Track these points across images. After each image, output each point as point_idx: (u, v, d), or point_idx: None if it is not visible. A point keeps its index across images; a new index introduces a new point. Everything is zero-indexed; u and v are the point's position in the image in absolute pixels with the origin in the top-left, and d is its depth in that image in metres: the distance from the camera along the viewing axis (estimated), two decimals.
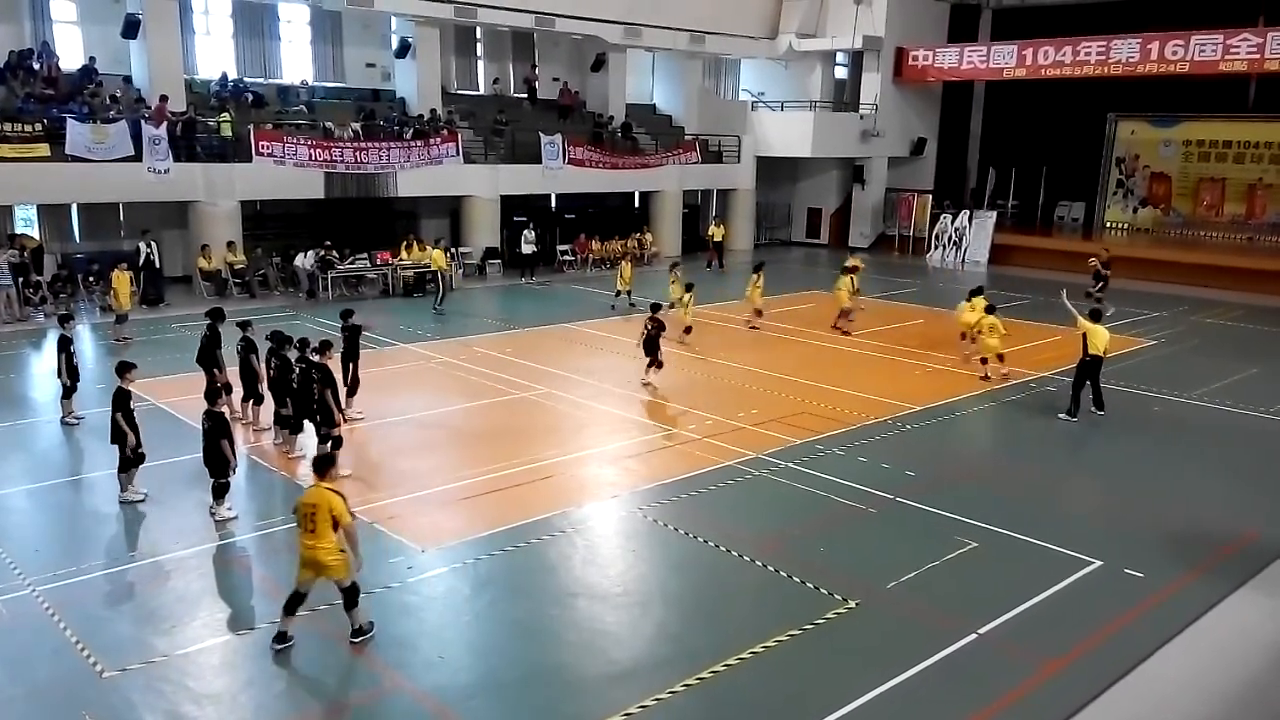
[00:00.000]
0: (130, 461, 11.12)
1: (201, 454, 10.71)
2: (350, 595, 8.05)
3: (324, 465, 8.27)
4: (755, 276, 21.51)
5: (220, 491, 10.61)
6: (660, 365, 16.38)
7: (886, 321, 22.26)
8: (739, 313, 22.50)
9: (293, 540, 9.93)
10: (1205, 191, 35.13)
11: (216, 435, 10.47)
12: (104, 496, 11.59)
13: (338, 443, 12.00)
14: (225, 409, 10.85)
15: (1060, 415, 15.08)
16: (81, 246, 24.28)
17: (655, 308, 16.99)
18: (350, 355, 14.06)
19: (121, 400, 11.00)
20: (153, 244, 22.53)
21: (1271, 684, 8.09)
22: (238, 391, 13.61)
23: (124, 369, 11.26)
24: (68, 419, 13.92)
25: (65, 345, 13.91)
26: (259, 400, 13.58)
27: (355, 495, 11.29)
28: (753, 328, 21.33)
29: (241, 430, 13.41)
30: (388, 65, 30.01)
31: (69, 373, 13.90)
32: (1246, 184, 34.20)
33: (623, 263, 24.79)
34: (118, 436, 11.06)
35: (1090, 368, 14.98)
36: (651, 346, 16.28)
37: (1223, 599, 9.30)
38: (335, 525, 7.86)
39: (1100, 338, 14.96)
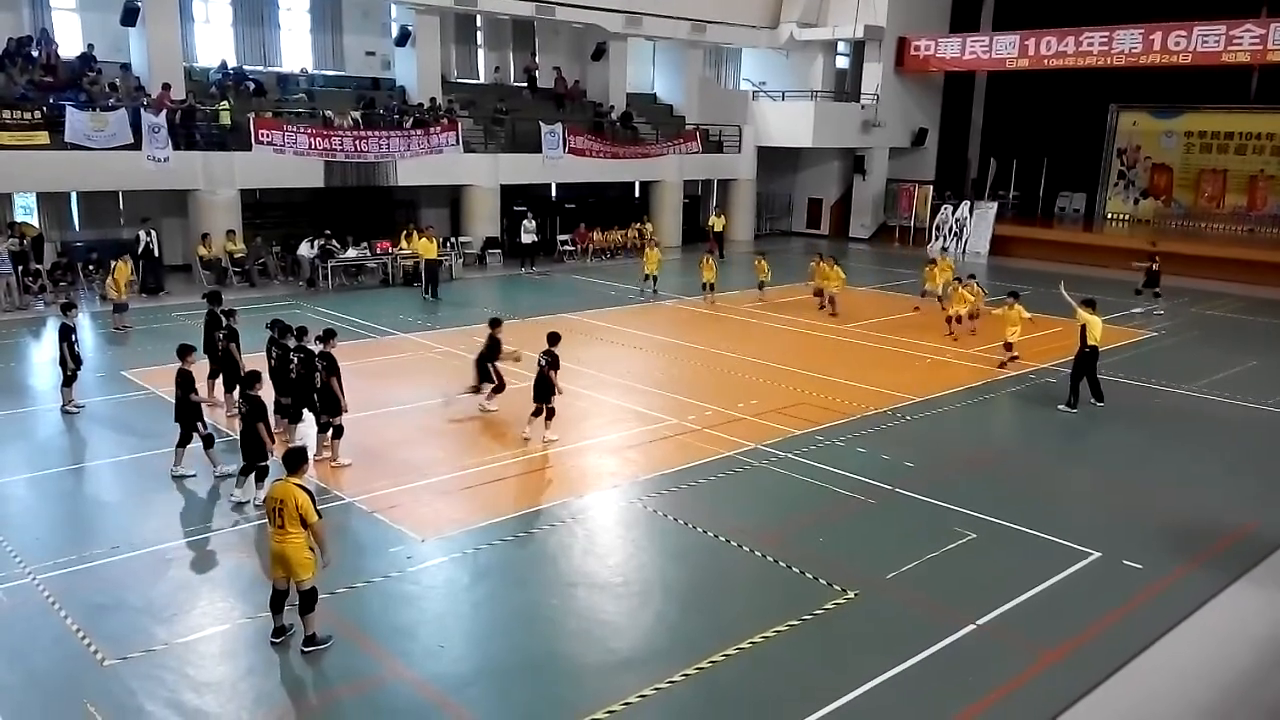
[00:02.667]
0: (189, 440, 11.39)
1: (239, 438, 10.90)
2: (306, 599, 7.86)
3: (295, 460, 8.07)
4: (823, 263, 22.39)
5: (261, 475, 10.64)
6: (501, 388, 13.99)
7: (886, 312, 22.25)
8: (738, 303, 22.51)
9: None
10: (1206, 183, 35.06)
11: (253, 419, 10.52)
12: (105, 484, 11.62)
13: (339, 431, 12.02)
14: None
15: (1060, 406, 15.09)
16: (81, 235, 24.26)
17: (494, 323, 14.29)
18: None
19: (185, 381, 11.36)
20: (153, 233, 22.50)
21: (1269, 675, 8.11)
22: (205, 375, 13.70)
23: (185, 351, 11.65)
24: (68, 407, 13.92)
25: (67, 334, 13.89)
26: (230, 388, 13.55)
27: (355, 485, 11.35)
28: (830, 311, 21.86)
29: (207, 411, 13.55)
30: (388, 53, 29.90)
31: (72, 360, 13.87)
32: (1248, 175, 34.13)
33: (648, 250, 24.66)
34: (182, 414, 11.40)
35: (1089, 359, 14.97)
36: (482, 367, 13.80)
37: (1221, 590, 9.32)
38: (304, 523, 7.76)
39: (1098, 328, 14.97)
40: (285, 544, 7.77)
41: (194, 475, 11.45)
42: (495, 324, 14.49)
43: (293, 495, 7.77)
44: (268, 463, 10.69)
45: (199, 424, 11.50)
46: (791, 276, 25.66)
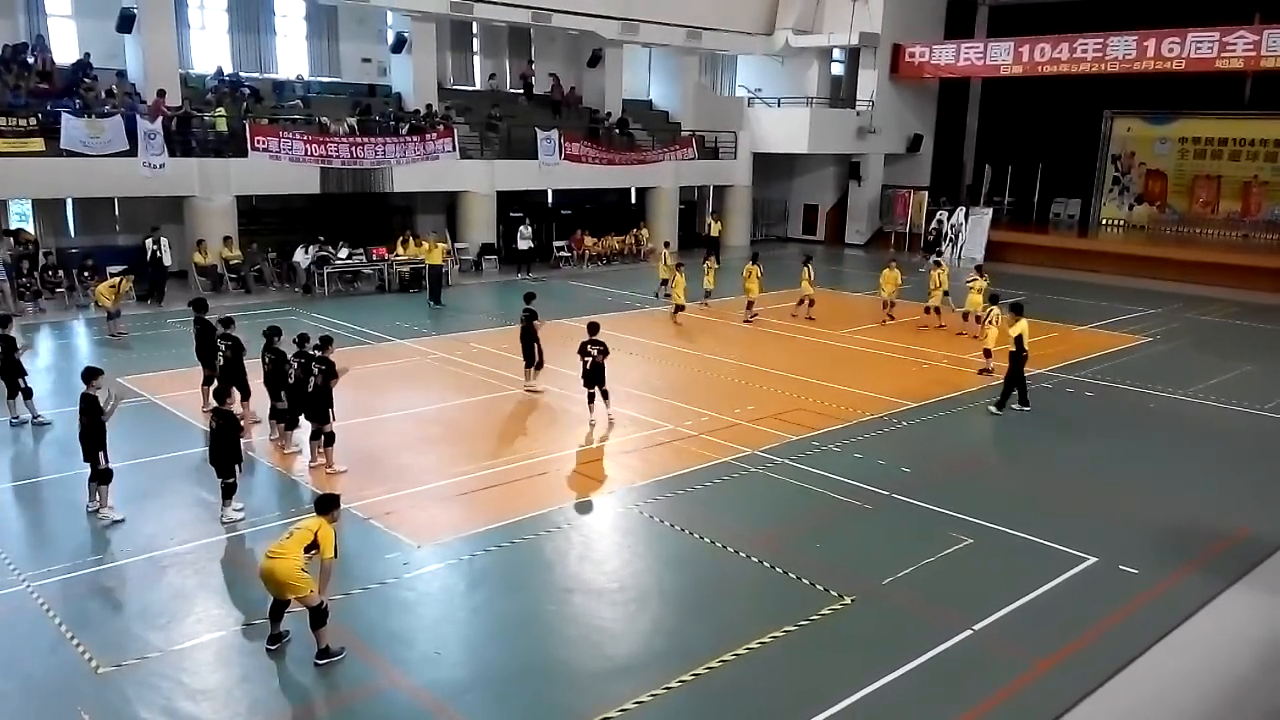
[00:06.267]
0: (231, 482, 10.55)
1: (208, 453, 10.66)
2: (316, 615, 7.81)
3: (328, 504, 8.07)
4: (753, 267, 22.04)
5: (229, 491, 10.50)
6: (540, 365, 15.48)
7: (882, 317, 22.25)
8: (735, 309, 22.52)
9: None
10: (1201, 189, 35.17)
11: (225, 434, 10.34)
12: None
13: (330, 438, 11.99)
14: (232, 406, 10.76)
15: (1014, 407, 15.08)
16: (77, 241, 24.21)
17: (529, 297, 15.94)
18: (530, 336, 15.44)
19: (230, 426, 10.40)
20: (162, 240, 22.41)
21: (1264, 680, 8.12)
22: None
23: (225, 394, 10.77)
24: (13, 420, 13.47)
25: (9, 347, 13.43)
26: (246, 395, 13.47)
27: (351, 491, 11.31)
28: (746, 322, 21.54)
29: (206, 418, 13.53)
30: (383, 60, 29.93)
31: (7, 373, 13.38)
32: (1242, 181, 34.23)
33: (664, 253, 24.66)
34: (220, 454, 10.41)
35: (1021, 362, 15.03)
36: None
37: (1216, 595, 9.33)
38: (309, 549, 7.71)
39: (1024, 331, 14.99)
40: (277, 562, 7.70)
41: (242, 516, 10.52)
42: (529, 297, 15.80)
43: (319, 526, 7.79)
44: (234, 479, 10.43)
45: (238, 465, 10.51)
46: (779, 283, 25.66)
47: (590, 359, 13.83)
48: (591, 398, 14.02)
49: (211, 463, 10.49)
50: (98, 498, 10.58)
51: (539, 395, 15.44)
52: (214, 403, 10.71)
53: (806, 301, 22.12)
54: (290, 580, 7.70)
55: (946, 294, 21.82)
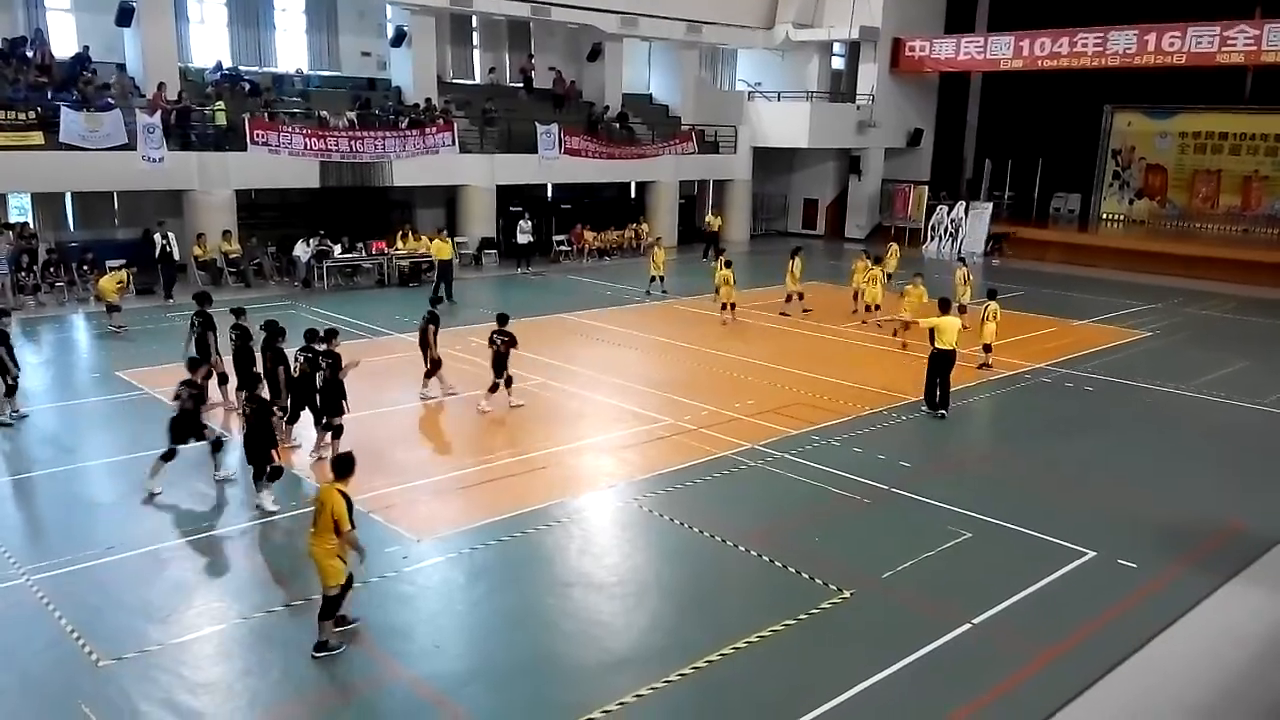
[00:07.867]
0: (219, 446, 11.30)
1: (243, 442, 10.82)
2: (326, 606, 7.88)
3: (342, 467, 8.04)
4: (793, 261, 21.99)
5: (274, 476, 10.58)
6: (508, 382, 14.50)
7: (883, 313, 22.22)
8: (741, 303, 22.50)
9: (291, 527, 10.01)
10: (1201, 183, 35.16)
11: (258, 422, 10.45)
12: (99, 485, 11.59)
13: (338, 431, 12.00)
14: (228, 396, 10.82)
15: (923, 408, 14.78)
16: (76, 235, 24.21)
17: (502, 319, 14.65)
18: (425, 342, 15.07)
19: (263, 413, 10.75)
20: (169, 235, 22.32)
21: (1265, 673, 8.13)
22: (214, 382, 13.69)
23: (253, 384, 11.17)
24: (6, 417, 13.36)
25: (2, 340, 13.39)
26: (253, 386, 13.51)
27: (351, 485, 11.26)
28: (782, 314, 21.73)
29: (222, 414, 13.73)
30: (383, 54, 29.87)
31: (14, 366, 13.39)
32: (1242, 176, 34.24)
33: (655, 249, 24.82)
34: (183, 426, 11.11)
35: (939, 362, 14.53)
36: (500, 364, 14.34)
37: (1216, 589, 9.35)
38: (338, 530, 7.75)
39: (950, 331, 14.51)
40: (314, 548, 7.82)
41: (278, 508, 10.58)
42: (434, 302, 16.01)
43: (331, 500, 7.77)
44: (267, 468, 10.55)
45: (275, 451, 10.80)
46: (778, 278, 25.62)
47: (495, 348, 14.22)
48: (494, 387, 14.29)
49: (246, 450, 10.64)
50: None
51: (432, 401, 15.00)
52: (233, 400, 10.81)
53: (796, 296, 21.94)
54: (326, 565, 7.79)
55: (890, 276, 22.49)
